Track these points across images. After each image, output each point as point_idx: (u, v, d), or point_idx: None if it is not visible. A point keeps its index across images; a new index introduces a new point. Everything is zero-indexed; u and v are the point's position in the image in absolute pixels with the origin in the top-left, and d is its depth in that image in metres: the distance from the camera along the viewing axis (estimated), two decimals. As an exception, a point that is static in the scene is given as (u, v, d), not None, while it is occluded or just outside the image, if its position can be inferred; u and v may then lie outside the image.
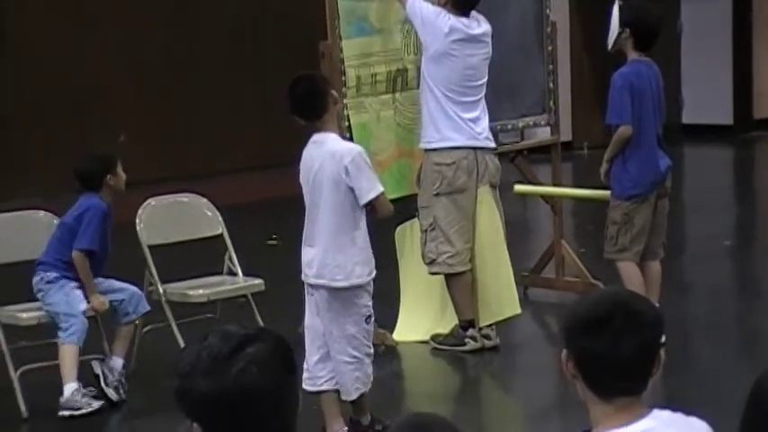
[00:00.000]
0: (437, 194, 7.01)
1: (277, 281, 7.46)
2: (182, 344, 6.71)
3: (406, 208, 7.40)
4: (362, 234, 5.59)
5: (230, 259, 7.09)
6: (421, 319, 7.36)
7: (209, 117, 11.89)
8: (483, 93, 7.05)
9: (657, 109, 6.97)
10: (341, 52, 7.15)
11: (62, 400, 6.24)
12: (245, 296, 7.01)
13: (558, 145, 8.31)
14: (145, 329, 6.90)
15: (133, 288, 6.61)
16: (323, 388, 5.60)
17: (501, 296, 7.13)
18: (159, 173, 10.64)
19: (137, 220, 6.99)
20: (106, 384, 6.40)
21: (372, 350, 5.66)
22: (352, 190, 5.50)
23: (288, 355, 2.31)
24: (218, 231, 7.19)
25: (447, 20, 6.89)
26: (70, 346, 6.27)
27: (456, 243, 7.01)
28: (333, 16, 7.10)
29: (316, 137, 5.63)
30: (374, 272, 5.63)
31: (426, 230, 7.06)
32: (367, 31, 7.21)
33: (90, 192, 6.48)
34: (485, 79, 7.05)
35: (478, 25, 7.00)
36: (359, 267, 5.55)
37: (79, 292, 6.37)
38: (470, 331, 7.08)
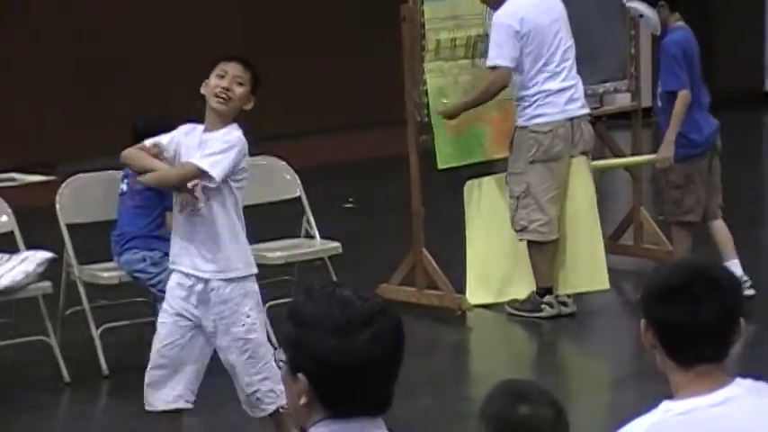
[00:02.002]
0: (532, 162, 6.98)
1: (353, 243, 7.50)
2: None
3: (477, 174, 7.42)
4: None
5: (308, 222, 7.14)
6: (491, 278, 7.35)
7: (287, 78, 11.93)
8: (572, 57, 7.02)
9: (700, 72, 7.19)
10: (422, 15, 7.14)
11: None
12: (321, 259, 7.06)
13: (639, 111, 8.25)
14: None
15: None
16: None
17: (590, 269, 7.11)
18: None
19: (216, 182, 7.03)
20: None
21: None
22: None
23: (402, 332, 2.37)
24: (296, 194, 7.24)
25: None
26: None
27: (549, 211, 6.99)
28: (414, -22, 7.10)
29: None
30: None
31: (518, 197, 7.04)
32: (449, -6, 7.20)
33: None
34: (570, 43, 7.04)
35: None
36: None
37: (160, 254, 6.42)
38: (547, 298, 7.07)
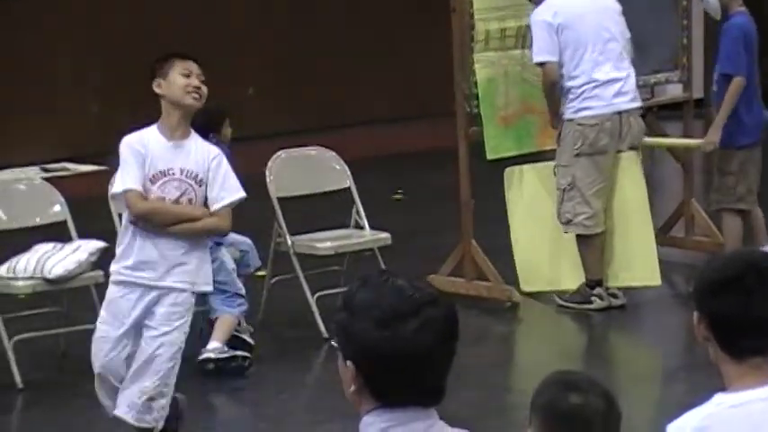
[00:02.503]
0: (577, 155, 6.97)
1: (402, 234, 7.51)
2: (309, 295, 6.82)
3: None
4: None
5: (357, 213, 7.15)
6: (539, 266, 7.32)
7: (337, 70, 11.95)
8: (620, 49, 6.98)
9: (756, 59, 7.18)
10: (471, 6, 7.13)
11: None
12: (371, 249, 7.07)
13: (691, 102, 8.18)
14: (273, 280, 7.01)
15: (247, 241, 6.71)
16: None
17: (642, 265, 7.08)
18: (288, 125, 10.75)
19: (266, 173, 7.08)
20: (239, 333, 6.52)
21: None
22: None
23: (456, 321, 2.36)
24: (346, 185, 7.25)
25: None
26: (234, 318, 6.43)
27: (594, 204, 6.97)
28: (464, -30, 7.09)
29: None
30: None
31: (564, 189, 7.03)
32: (499, -15, 7.18)
33: None
34: (618, 34, 6.99)
35: None
36: None
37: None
38: (597, 290, 7.04)
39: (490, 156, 7.22)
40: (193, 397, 6.26)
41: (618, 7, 7.06)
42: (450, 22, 7.21)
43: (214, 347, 6.29)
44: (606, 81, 6.93)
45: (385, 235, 7.08)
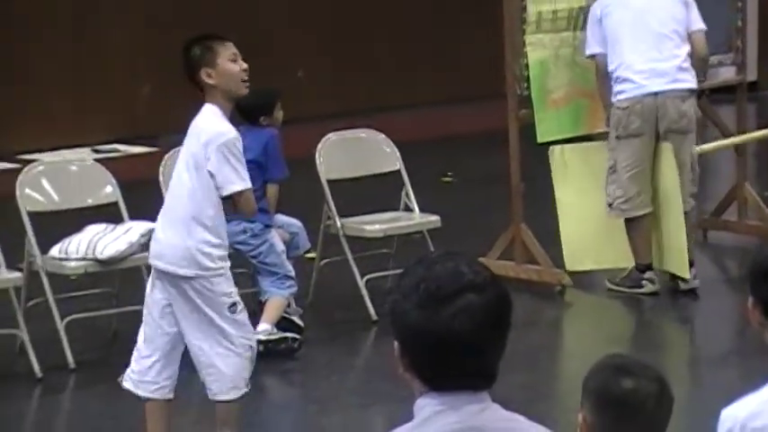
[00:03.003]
0: (618, 137, 6.95)
1: (452, 217, 7.49)
2: (358, 278, 6.82)
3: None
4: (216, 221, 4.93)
5: (407, 195, 7.14)
6: (586, 244, 7.26)
7: (387, 53, 11.93)
8: (669, 32, 6.91)
9: None
10: (523, -13, 7.09)
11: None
12: (420, 232, 7.06)
13: (744, 85, 8.10)
14: (322, 262, 7.02)
15: (297, 223, 6.73)
16: (155, 396, 5.01)
17: (674, 254, 7.02)
18: (338, 108, 10.74)
19: (316, 155, 7.08)
20: (288, 314, 6.54)
21: (248, 343, 4.95)
22: (212, 175, 4.84)
23: (504, 310, 2.31)
24: (396, 167, 7.24)
25: None
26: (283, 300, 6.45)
27: (628, 188, 6.93)
28: (515, -50, 7.05)
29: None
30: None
31: (608, 173, 7.02)
32: (551, -34, 7.13)
33: (252, 125, 6.53)
34: (670, 12, 6.92)
35: None
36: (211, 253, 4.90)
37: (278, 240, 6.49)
38: (648, 274, 6.99)
39: (541, 139, 7.18)
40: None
41: None
42: (501, 4, 7.17)
43: (264, 329, 6.31)
44: (641, 64, 6.85)
45: (434, 218, 7.07)
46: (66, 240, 6.39)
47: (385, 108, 10.92)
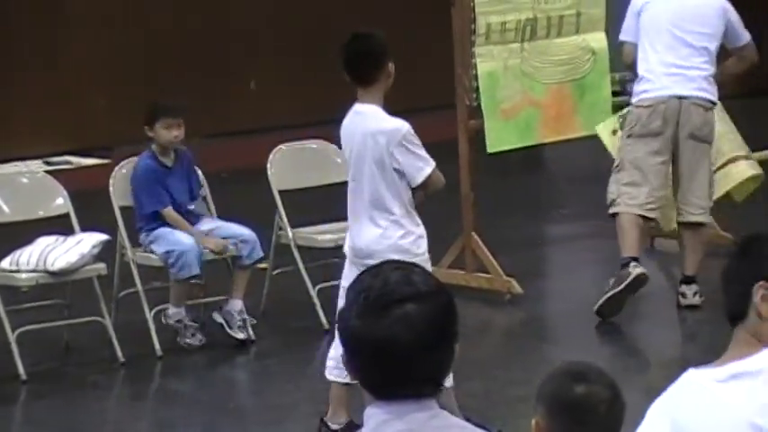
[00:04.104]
0: (629, 135, 6.89)
1: (404, 227, 7.46)
2: (310, 287, 6.80)
3: (526, 158, 7.36)
4: (408, 213, 5.12)
5: (358, 205, 7.11)
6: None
7: (338, 63, 11.93)
8: (706, 41, 6.84)
9: None
10: (471, 0, 7.09)
11: (169, 313, 6.44)
12: (372, 242, 7.03)
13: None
14: (275, 272, 6.99)
15: (248, 233, 6.64)
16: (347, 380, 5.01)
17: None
18: (290, 119, 10.71)
19: (268, 166, 7.06)
20: (230, 328, 6.50)
21: None
22: (399, 172, 5.06)
23: (448, 319, 2.30)
24: (346, 178, 7.20)
25: None
26: (178, 284, 6.39)
27: (628, 185, 6.82)
28: (464, -37, 7.06)
29: (359, 106, 5.19)
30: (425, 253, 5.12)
31: (613, 171, 6.98)
32: (499, -21, 7.15)
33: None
34: (705, 28, 6.84)
35: None
36: (414, 246, 5.10)
37: (179, 232, 6.45)
38: (632, 263, 6.72)
39: (491, 149, 7.19)
40: (196, 386, 6.25)
41: (718, 5, 6.86)
42: (450, 16, 7.18)
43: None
44: (670, 71, 6.80)
45: (386, 227, 7.04)
46: (18, 252, 6.31)
47: (339, 119, 10.91)
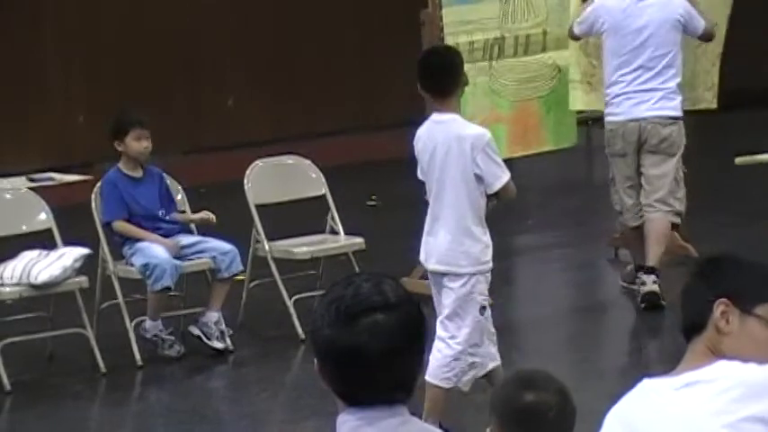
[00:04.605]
0: (610, 155, 7.18)
1: (376, 239, 7.50)
2: (286, 298, 6.81)
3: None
4: (480, 221, 5.24)
5: (332, 219, 7.15)
6: None
7: (313, 81, 11.95)
8: (663, 61, 6.95)
9: None
10: (441, 20, 7.13)
11: (146, 326, 6.45)
12: (346, 254, 7.06)
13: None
14: (252, 284, 7.00)
15: (228, 247, 6.64)
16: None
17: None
18: (267, 135, 10.72)
19: (245, 181, 7.07)
20: (208, 339, 6.51)
21: (480, 344, 5.21)
22: (479, 178, 5.15)
23: (415, 328, 2.31)
24: (322, 192, 7.25)
25: None
26: (153, 295, 6.39)
27: (624, 200, 7.11)
28: (433, -16, 7.10)
29: (437, 116, 5.23)
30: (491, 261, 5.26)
31: (609, 183, 7.28)
32: (467, 0, 7.18)
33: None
34: (665, 49, 6.95)
35: None
36: (482, 254, 5.22)
37: (156, 245, 6.44)
38: (642, 276, 6.96)
39: (460, 163, 7.21)
40: (175, 395, 6.25)
41: (675, 17, 6.96)
42: (419, 35, 7.21)
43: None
44: (633, 91, 6.96)
45: (359, 240, 7.08)
46: (2, 266, 6.31)
47: (313, 135, 10.93)
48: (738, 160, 7.62)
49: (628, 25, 6.96)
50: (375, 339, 2.27)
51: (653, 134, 7.00)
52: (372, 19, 12.11)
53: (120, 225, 6.46)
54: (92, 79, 10.84)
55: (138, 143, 6.48)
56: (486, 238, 5.24)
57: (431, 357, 5.12)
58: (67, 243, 6.49)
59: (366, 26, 12.15)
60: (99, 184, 6.57)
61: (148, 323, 6.47)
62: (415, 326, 2.32)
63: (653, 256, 6.99)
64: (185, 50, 11.27)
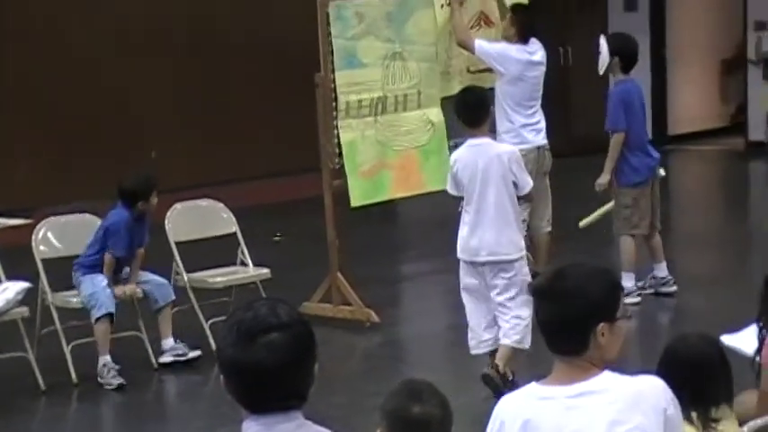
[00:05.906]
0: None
1: (280, 269, 7.53)
2: (203, 322, 6.79)
3: (383, 211, 7.46)
4: (517, 218, 5.77)
5: (242, 253, 7.17)
6: None
7: (224, 133, 11.93)
8: (540, 102, 7.56)
9: (643, 116, 7.53)
10: (333, 82, 7.21)
11: (98, 369, 6.31)
12: (254, 283, 7.08)
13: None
14: (173, 310, 6.96)
15: (161, 279, 6.65)
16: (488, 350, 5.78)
17: None
18: (185, 181, 10.67)
19: (166, 221, 7.05)
20: (184, 355, 6.55)
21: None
22: (515, 184, 5.65)
23: (306, 345, 2.32)
24: (233, 230, 7.27)
25: (516, 51, 7.39)
26: (99, 324, 6.30)
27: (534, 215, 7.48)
28: (326, 52, 7.17)
29: (473, 141, 5.70)
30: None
31: None
32: (355, 65, 7.27)
33: (124, 205, 6.51)
34: (541, 92, 7.57)
35: (537, 50, 7.45)
36: (521, 242, 5.73)
37: (102, 278, 6.39)
38: None
39: (354, 203, 7.30)
40: (107, 409, 6.18)
41: (543, 61, 7.49)
42: (314, 95, 7.29)
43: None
44: (533, 122, 7.51)
45: (266, 270, 7.11)
46: (-47, 299, 6.17)
47: (225, 180, 10.91)
48: (582, 224, 7.84)
49: (528, 74, 7.49)
50: (271, 355, 2.27)
51: (549, 158, 7.56)
52: (280, 80, 12.15)
53: (110, 259, 6.42)
54: (31, 132, 10.67)
55: (155, 200, 6.58)
56: (521, 229, 5.83)
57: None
58: (10, 278, 6.39)
59: (275, 86, 12.19)
60: (108, 217, 6.49)
61: (100, 359, 6.30)
62: (306, 342, 2.34)
63: (542, 262, 7.51)
64: (122, 103, 11.17)
